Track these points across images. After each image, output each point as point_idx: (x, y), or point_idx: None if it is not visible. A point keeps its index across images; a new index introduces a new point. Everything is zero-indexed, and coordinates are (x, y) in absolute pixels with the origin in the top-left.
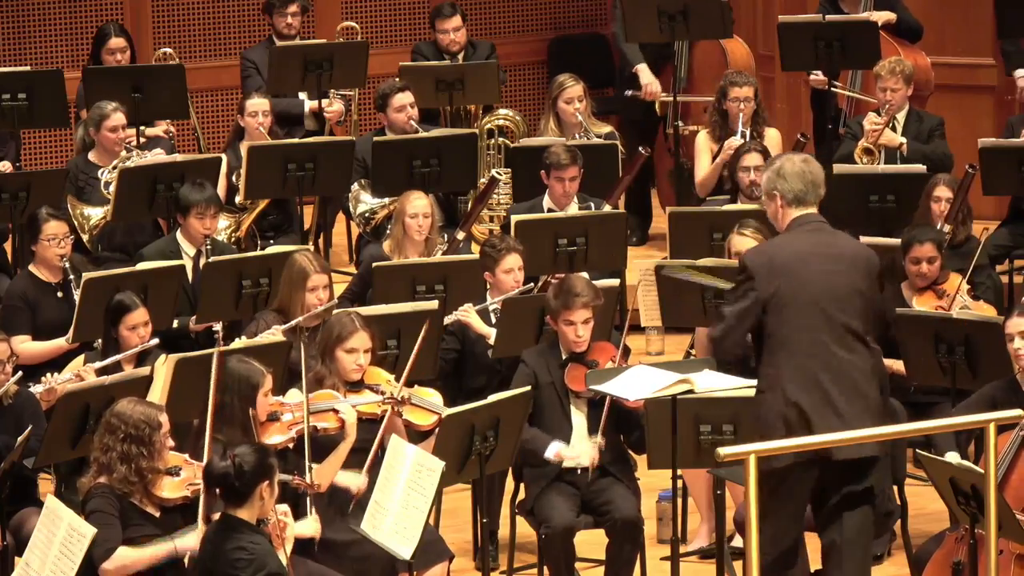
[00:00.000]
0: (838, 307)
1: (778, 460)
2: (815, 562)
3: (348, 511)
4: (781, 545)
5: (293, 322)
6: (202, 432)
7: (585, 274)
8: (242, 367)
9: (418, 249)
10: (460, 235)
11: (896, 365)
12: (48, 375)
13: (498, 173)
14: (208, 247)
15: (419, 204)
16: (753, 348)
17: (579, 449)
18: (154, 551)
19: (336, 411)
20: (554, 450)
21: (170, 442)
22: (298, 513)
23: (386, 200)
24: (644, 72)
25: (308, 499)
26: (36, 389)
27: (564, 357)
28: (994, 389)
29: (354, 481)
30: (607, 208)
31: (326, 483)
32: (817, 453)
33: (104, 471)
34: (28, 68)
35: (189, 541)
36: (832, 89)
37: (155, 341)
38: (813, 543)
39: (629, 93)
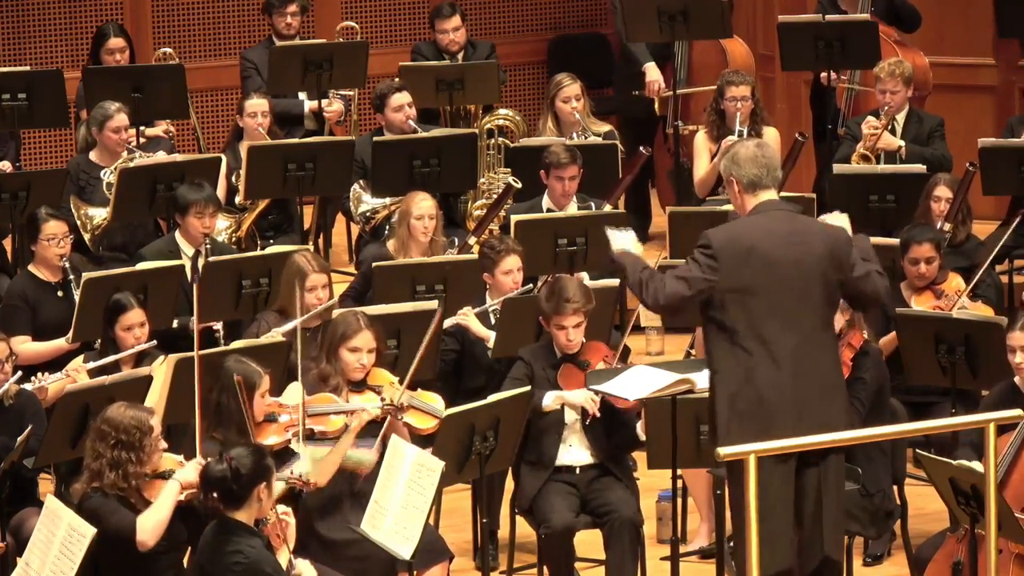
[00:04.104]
0: (798, 296)
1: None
2: None
3: (356, 487)
4: (778, 546)
5: (293, 323)
6: (199, 434)
7: (585, 274)
8: (239, 367)
9: (421, 250)
10: (471, 240)
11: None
12: (39, 374)
13: (514, 180)
14: (207, 247)
15: (424, 205)
16: (704, 337)
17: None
18: (165, 498)
19: (335, 415)
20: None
21: (163, 444)
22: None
23: (387, 200)
24: (651, 70)
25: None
26: (25, 387)
27: (558, 357)
28: (995, 396)
29: (365, 456)
30: (607, 208)
31: (324, 480)
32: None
33: (95, 478)
34: (28, 68)
35: (188, 474)
36: (835, 84)
37: (153, 343)
38: None
39: (636, 93)
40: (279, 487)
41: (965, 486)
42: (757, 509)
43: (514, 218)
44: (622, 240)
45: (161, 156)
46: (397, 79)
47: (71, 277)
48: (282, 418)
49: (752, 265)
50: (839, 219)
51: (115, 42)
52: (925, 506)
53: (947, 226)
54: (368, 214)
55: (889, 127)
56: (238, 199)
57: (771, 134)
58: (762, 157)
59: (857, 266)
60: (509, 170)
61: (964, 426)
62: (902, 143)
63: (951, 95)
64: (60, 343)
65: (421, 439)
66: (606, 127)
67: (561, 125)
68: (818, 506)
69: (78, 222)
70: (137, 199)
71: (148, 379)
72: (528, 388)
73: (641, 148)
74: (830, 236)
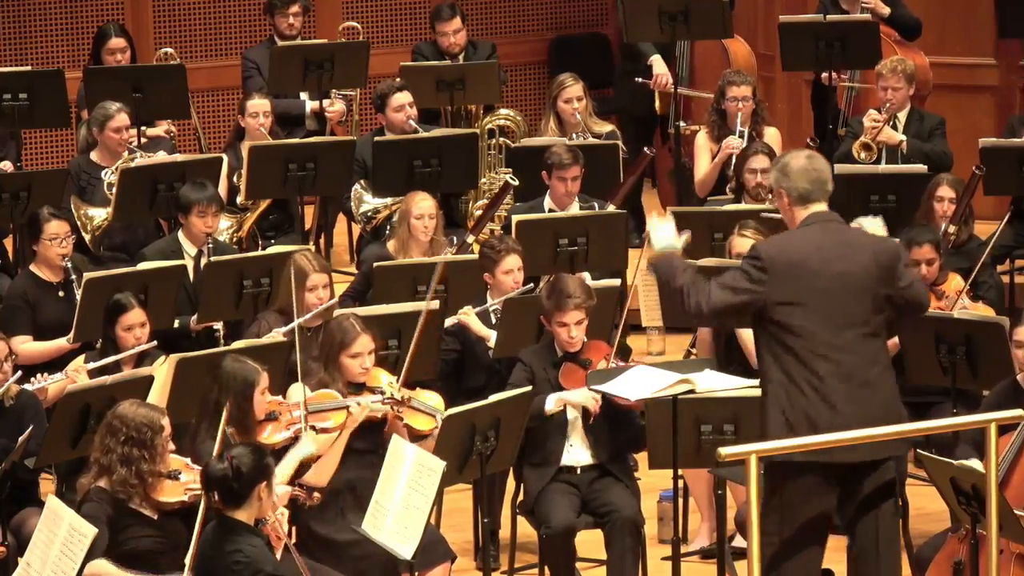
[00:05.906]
0: (848, 308)
1: (786, 457)
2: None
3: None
4: (796, 553)
5: (294, 323)
6: (198, 433)
7: (587, 274)
8: (237, 366)
9: (422, 249)
10: (470, 239)
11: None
12: (39, 374)
13: (512, 178)
14: (209, 247)
15: (425, 205)
16: (755, 346)
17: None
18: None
19: (337, 410)
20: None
21: (171, 445)
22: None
23: (389, 200)
24: (658, 63)
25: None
26: (26, 388)
27: (559, 356)
28: (996, 395)
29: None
30: (610, 208)
31: (323, 482)
32: (829, 460)
33: (104, 473)
34: (29, 68)
35: None
36: (836, 84)
37: (153, 343)
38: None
39: (639, 80)
40: (283, 491)
41: (966, 486)
42: (782, 516)
43: (515, 218)
44: (664, 238)
45: (162, 156)
46: (398, 79)
47: (72, 277)
48: (283, 416)
49: (802, 277)
50: (875, 225)
51: (116, 42)
52: (926, 506)
53: (952, 228)
54: (369, 214)
55: (891, 124)
56: (239, 199)
57: (772, 134)
58: (813, 171)
59: (903, 278)
60: (510, 170)
61: (965, 426)
62: (903, 137)
63: (951, 95)
64: (61, 343)
65: (419, 438)
66: (608, 127)
67: (563, 125)
68: (875, 541)
69: (78, 222)
70: (138, 199)
71: (149, 379)
72: (528, 388)
73: (645, 149)
74: (880, 249)
